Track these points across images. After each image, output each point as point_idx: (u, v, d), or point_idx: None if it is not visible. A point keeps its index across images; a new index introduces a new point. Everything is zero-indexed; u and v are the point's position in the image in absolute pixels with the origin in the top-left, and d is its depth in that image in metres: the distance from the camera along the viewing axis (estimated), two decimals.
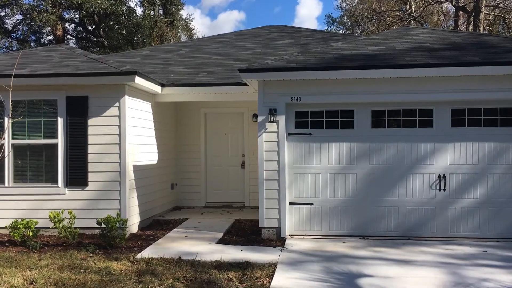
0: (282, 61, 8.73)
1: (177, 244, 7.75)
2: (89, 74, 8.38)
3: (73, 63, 9.19)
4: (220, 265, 6.49)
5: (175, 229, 8.99)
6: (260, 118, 8.38)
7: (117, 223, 7.69)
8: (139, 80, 8.50)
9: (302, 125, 8.51)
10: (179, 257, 6.88)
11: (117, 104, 8.56)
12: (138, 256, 7.04)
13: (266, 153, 8.36)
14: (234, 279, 5.91)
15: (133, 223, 8.92)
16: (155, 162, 10.20)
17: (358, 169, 8.34)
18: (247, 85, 9.27)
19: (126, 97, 8.59)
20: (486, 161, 8.11)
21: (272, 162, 8.34)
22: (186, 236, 8.39)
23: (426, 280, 5.88)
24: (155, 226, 9.59)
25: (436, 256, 6.98)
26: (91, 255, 7.17)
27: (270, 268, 6.38)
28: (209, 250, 7.36)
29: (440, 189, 8.20)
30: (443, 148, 8.18)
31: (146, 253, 7.22)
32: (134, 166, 8.95)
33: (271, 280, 5.89)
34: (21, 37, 28.05)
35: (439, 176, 8.20)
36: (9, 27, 27.61)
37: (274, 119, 8.28)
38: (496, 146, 8.10)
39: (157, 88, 9.60)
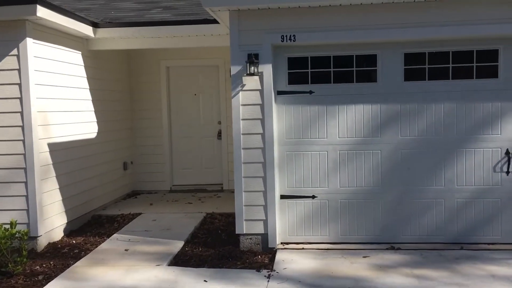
0: None
1: (105, 270, 4.98)
2: None
3: None
4: None
5: (115, 234, 6.22)
6: (234, 69, 5.46)
7: (10, 239, 4.88)
8: (45, 13, 5.48)
9: (298, 79, 5.62)
10: None
11: (14, 52, 5.58)
12: None
13: (245, 123, 5.50)
14: None
15: (54, 228, 6.12)
16: (92, 135, 7.30)
17: (383, 143, 5.53)
18: (218, 23, 6.30)
19: (29, 40, 5.60)
20: None
21: (254, 136, 5.50)
22: (126, 249, 5.61)
23: None
24: (93, 226, 6.82)
25: None
26: None
27: None
28: (152, 284, 4.61)
29: (508, 172, 5.43)
30: None
31: None
32: (51, 145, 6.06)
33: None
34: None
35: (508, 153, 5.41)
36: None
37: (256, 70, 5.37)
38: None
39: (86, 30, 6.59)
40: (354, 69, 5.55)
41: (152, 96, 8.84)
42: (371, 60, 5.53)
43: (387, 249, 5.42)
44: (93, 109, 7.34)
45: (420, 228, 5.55)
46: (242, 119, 5.49)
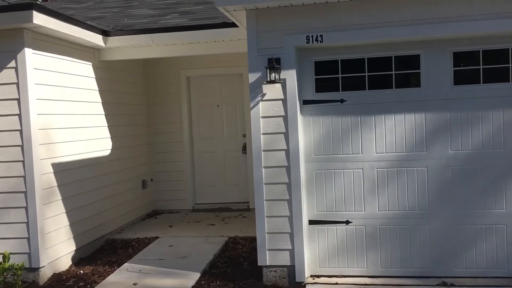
0: None
1: None
2: None
3: None
4: None
5: (127, 264, 5.59)
6: (252, 77, 4.76)
7: (2, 274, 4.32)
8: (43, 20, 4.96)
9: (327, 86, 4.87)
10: None
11: (12, 64, 5.08)
12: None
13: (266, 138, 4.78)
14: None
15: (60, 256, 5.56)
16: (105, 152, 6.76)
17: (429, 159, 4.68)
18: (237, 26, 5.64)
19: (28, 50, 5.09)
20: None
21: (277, 152, 4.77)
22: (135, 283, 4.96)
23: None
24: (105, 252, 6.23)
25: None
26: None
27: None
28: None
29: None
30: None
31: None
32: (55, 165, 5.52)
33: None
34: None
35: None
36: None
37: (277, 76, 4.66)
38: None
39: (95, 39, 6.07)
40: (393, 72, 4.74)
41: (172, 108, 8.26)
42: (413, 61, 4.71)
43: (437, 285, 4.54)
44: (106, 124, 6.80)
45: (477, 260, 4.65)
46: (263, 134, 4.77)
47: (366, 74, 4.78)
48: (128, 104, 7.55)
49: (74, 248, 5.86)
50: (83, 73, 6.25)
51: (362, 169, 4.80)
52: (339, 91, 4.83)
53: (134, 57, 6.61)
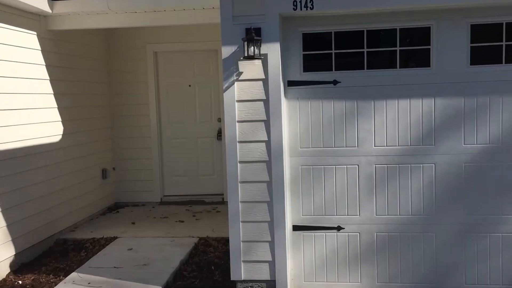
0: None
1: None
2: None
3: None
4: None
5: (74, 273, 4.68)
6: (226, 51, 3.86)
7: None
8: None
9: (317, 64, 4.00)
10: None
11: None
12: None
13: (242, 127, 3.90)
14: None
15: None
16: (55, 138, 5.78)
17: (438, 154, 3.89)
18: None
19: None
20: None
21: (255, 144, 3.90)
22: None
23: None
24: (53, 256, 5.32)
25: None
26: None
27: None
28: None
29: None
30: None
31: None
32: None
33: None
34: None
35: None
36: None
37: (257, 51, 3.76)
38: None
39: (39, 2, 5.04)
40: (398, 48, 3.90)
41: (137, 88, 7.28)
42: (421, 35, 3.87)
43: None
44: (56, 106, 5.81)
45: (492, 274, 3.92)
46: (239, 121, 3.89)
47: (365, 50, 3.92)
48: (85, 82, 6.54)
49: (13, 253, 4.93)
50: (25, 44, 5.23)
51: (358, 165, 3.98)
52: (332, 70, 3.97)
53: (88, 26, 5.61)
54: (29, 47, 5.29)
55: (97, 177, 6.83)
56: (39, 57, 5.47)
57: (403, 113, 3.92)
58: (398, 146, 3.94)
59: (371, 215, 4.00)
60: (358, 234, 4.04)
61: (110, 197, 7.21)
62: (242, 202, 3.96)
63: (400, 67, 3.92)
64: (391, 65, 3.94)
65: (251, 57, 3.75)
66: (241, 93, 3.86)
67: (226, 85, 3.87)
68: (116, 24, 5.58)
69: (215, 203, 7.21)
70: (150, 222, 6.35)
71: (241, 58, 3.80)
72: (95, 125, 6.77)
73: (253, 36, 3.71)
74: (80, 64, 6.39)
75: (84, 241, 5.67)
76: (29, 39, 5.30)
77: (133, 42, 7.21)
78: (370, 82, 3.92)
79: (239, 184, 3.95)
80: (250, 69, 3.83)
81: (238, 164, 3.94)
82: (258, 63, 3.82)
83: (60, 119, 5.88)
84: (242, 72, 3.84)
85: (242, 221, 3.96)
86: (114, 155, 7.33)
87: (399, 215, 3.98)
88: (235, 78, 3.85)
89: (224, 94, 3.88)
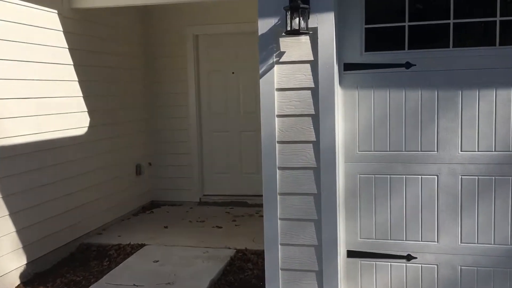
0: None
1: None
2: None
3: None
4: None
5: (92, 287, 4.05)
6: (262, 25, 2.97)
7: None
8: None
9: (384, 41, 3.03)
10: None
11: None
12: None
13: (282, 123, 3.01)
14: None
15: (3, 274, 4.07)
16: (81, 131, 5.16)
17: None
18: None
19: None
20: None
21: (300, 145, 3.00)
22: None
23: None
24: (72, 265, 4.70)
25: None
26: None
27: None
28: None
29: None
30: None
31: None
32: (1, 149, 3.98)
33: None
34: None
35: None
36: None
37: (304, 24, 2.84)
38: None
39: None
40: (498, 19, 2.85)
41: (175, 75, 6.55)
42: None
43: None
44: (82, 95, 5.18)
45: None
46: (278, 116, 3.01)
47: (451, 21, 2.90)
48: (116, 68, 5.89)
49: (25, 262, 4.35)
50: (45, 24, 4.60)
51: (438, 175, 2.99)
52: (404, 49, 2.98)
53: (118, 3, 4.91)
54: (50, 27, 4.66)
55: (131, 174, 6.21)
56: (61, 39, 4.84)
57: (502, 107, 2.87)
58: (495, 151, 2.91)
59: (454, 242, 3.00)
60: (436, 266, 3.05)
61: (145, 195, 6.58)
62: (281, 219, 3.11)
63: (500, 45, 2.87)
64: (487, 41, 2.90)
65: (296, 32, 2.84)
66: (282, 80, 2.97)
67: (262, 69, 2.99)
68: (151, 0, 4.85)
69: (259, 205, 6.36)
70: (185, 227, 5.63)
71: (283, 33, 2.90)
72: (127, 117, 6.12)
73: (299, 3, 2.79)
74: (109, 48, 5.73)
75: (109, 247, 5.04)
76: (50, 18, 4.67)
77: (170, 24, 6.47)
78: (456, 64, 2.90)
79: (278, 196, 3.11)
80: (295, 48, 2.92)
81: (277, 170, 3.08)
82: (305, 39, 2.90)
83: (87, 110, 5.26)
84: (284, 52, 2.94)
85: (282, 244, 3.10)
86: (150, 149, 6.67)
87: (494, 244, 2.95)
88: (274, 60, 2.96)
89: (260, 80, 3.01)
